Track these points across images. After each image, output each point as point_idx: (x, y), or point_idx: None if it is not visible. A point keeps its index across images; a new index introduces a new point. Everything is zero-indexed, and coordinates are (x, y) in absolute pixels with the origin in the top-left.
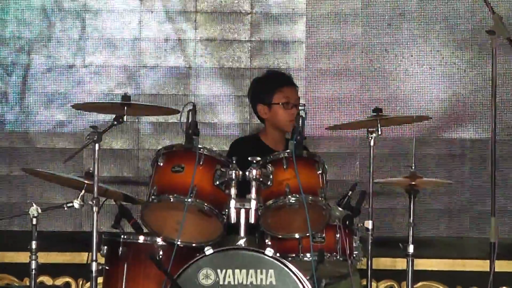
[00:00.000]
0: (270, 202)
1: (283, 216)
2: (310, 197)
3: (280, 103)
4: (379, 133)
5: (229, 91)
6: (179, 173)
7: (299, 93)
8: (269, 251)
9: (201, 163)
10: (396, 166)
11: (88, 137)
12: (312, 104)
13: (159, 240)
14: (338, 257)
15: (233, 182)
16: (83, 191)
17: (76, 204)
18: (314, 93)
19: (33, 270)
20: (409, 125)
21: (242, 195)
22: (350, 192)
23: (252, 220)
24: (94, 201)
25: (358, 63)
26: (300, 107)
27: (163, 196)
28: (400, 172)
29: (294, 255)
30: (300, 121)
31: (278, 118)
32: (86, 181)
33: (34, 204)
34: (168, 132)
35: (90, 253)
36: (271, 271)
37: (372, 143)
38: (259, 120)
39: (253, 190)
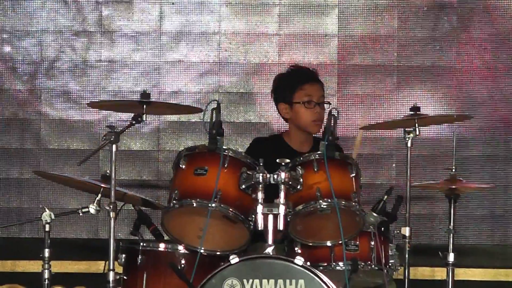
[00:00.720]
0: (300, 207)
1: (314, 222)
2: (343, 202)
3: (301, 102)
4: (417, 133)
5: (256, 88)
6: (202, 176)
7: (330, 90)
8: (299, 260)
9: (225, 165)
10: (435, 169)
11: (104, 137)
12: (345, 102)
13: (181, 248)
14: (372, 266)
15: (260, 185)
16: (99, 196)
17: (92, 209)
18: (347, 90)
19: (46, 280)
20: (449, 125)
21: (270, 199)
22: (386, 197)
23: (280, 226)
24: (111, 206)
25: (394, 58)
26: (325, 105)
27: (185, 200)
28: (439, 175)
29: (325, 264)
30: (332, 120)
31: (300, 118)
32: (102, 185)
33: (46, 210)
34: (191, 132)
35: (107, 262)
36: (301, 281)
37: (409, 144)
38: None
39: (282, 194)
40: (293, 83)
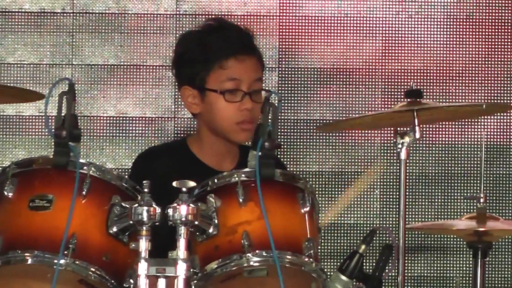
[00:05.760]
0: (214, 265)
1: None
2: (289, 257)
3: (220, 91)
4: (417, 136)
5: (136, 58)
6: (44, 211)
7: (269, 60)
8: None
9: (84, 192)
10: (451, 199)
11: None
12: (291, 84)
13: None
14: None
15: (145, 228)
16: None
17: None
18: (295, 63)
19: None
20: (474, 123)
21: (161, 252)
22: (363, 247)
23: None
24: None
25: (379, 10)
26: (263, 94)
27: (12, 253)
28: (457, 209)
29: None
30: (271, 115)
31: (216, 117)
32: None
33: None
34: (22, 134)
35: None
36: None
37: (403, 156)
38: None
39: (182, 242)
40: (208, 55)
